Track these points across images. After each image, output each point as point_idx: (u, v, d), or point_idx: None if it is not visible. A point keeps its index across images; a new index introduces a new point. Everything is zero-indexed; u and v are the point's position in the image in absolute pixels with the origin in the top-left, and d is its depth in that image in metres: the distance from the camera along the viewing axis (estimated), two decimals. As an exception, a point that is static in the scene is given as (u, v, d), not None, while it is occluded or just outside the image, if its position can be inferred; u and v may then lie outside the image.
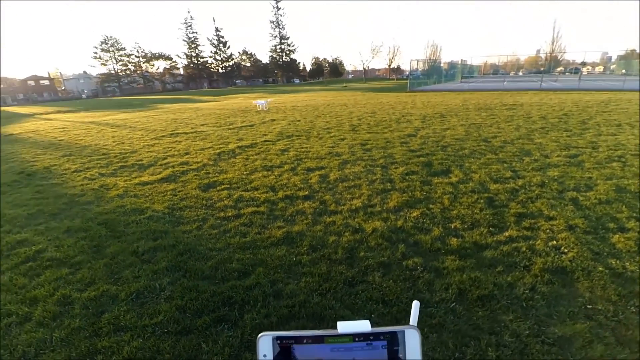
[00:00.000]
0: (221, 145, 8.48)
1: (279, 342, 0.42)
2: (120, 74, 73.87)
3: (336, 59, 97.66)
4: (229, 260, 3.25)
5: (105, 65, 72.34)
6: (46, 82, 74.36)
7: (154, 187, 5.49)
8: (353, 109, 15.43)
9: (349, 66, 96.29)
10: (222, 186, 5.37)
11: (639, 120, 9.40)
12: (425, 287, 2.77)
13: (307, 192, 4.90)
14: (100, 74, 74.16)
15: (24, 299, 2.81)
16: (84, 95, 70.29)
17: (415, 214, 4.04)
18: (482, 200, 4.31)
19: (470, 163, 5.93)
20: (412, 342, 0.43)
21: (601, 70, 60.79)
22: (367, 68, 76.85)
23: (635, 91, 19.00)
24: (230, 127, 11.68)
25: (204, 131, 11.04)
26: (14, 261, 3.42)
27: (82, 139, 11.05)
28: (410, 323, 0.75)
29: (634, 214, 3.75)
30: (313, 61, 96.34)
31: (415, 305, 0.78)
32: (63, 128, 14.67)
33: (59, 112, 25.53)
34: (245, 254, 3.34)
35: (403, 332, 0.43)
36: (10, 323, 2.56)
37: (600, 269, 2.85)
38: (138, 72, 76.15)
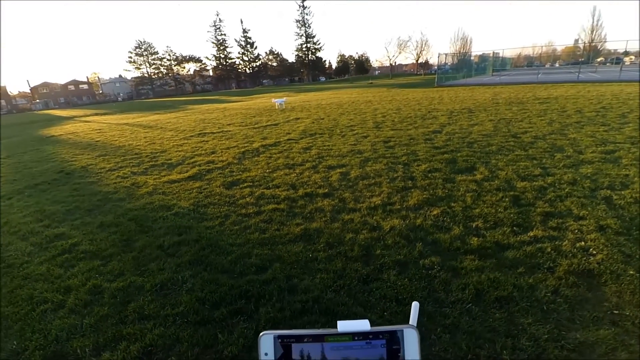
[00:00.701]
0: (246, 144, 8.68)
1: (280, 340, 0.43)
2: (153, 77, 77.11)
3: (362, 55, 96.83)
4: (247, 255, 3.34)
5: (139, 69, 75.81)
6: (85, 87, 79.05)
7: (181, 185, 5.72)
8: (378, 106, 15.27)
9: (375, 62, 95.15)
10: (245, 184, 5.51)
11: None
12: (441, 287, 2.73)
13: (326, 190, 4.93)
14: (135, 78, 77.82)
15: (59, 288, 3.04)
16: (119, 98, 74.07)
17: (435, 212, 3.97)
18: (507, 199, 4.16)
19: (497, 160, 5.72)
20: (411, 341, 0.44)
21: (645, 59, 56.38)
22: (393, 64, 75.59)
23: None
24: (255, 126, 11.90)
25: (230, 131, 11.33)
26: (51, 253, 3.69)
27: (116, 140, 11.66)
28: (410, 323, 0.76)
29: (674, 215, 3.50)
30: (339, 58, 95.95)
31: (415, 305, 0.79)
32: (99, 129, 15.54)
33: (96, 114, 27.08)
34: (264, 250, 3.42)
35: (402, 331, 0.44)
36: (46, 309, 2.78)
37: (631, 272, 2.68)
38: (170, 74, 79.17)
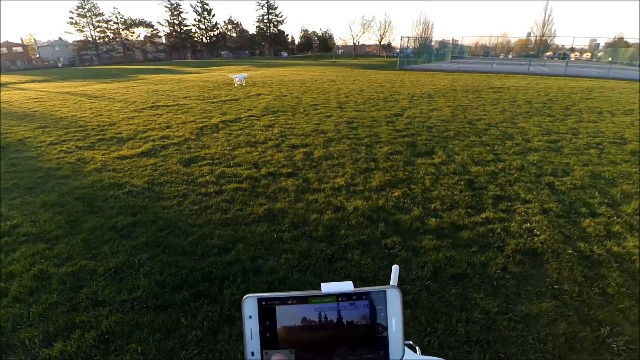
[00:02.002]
0: (204, 120, 8.28)
1: (263, 303, 0.43)
2: (98, 41, 70.04)
3: (326, 32, 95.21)
4: (209, 236, 3.24)
5: (82, 31, 68.29)
6: (19, 49, 69.84)
7: (133, 162, 5.36)
8: (341, 86, 15.22)
9: (338, 41, 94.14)
10: (204, 161, 5.29)
11: (639, 108, 9.60)
12: (402, 265, 2.84)
13: (290, 170, 4.88)
14: (77, 41, 70.07)
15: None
16: (59, 64, 66.50)
17: (396, 193, 4.09)
18: (462, 182, 4.38)
19: (454, 145, 5.98)
20: (394, 301, 0.44)
21: (588, 57, 61.25)
22: (357, 43, 75.37)
23: (620, 80, 19.35)
24: (214, 100, 11.38)
25: (186, 104, 10.73)
26: (-15, 235, 3.32)
27: (57, 110, 10.58)
28: (391, 284, 0.77)
29: (606, 200, 3.90)
30: (302, 34, 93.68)
31: (395, 268, 0.80)
32: (38, 98, 13.98)
33: (33, 81, 24.22)
34: (226, 231, 3.33)
35: (384, 291, 0.44)
36: (-16, 298, 2.51)
37: (570, 251, 2.97)
38: (117, 39, 72.36)
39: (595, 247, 3.01)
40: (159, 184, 4.49)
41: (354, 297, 0.44)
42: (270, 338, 0.43)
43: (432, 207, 3.77)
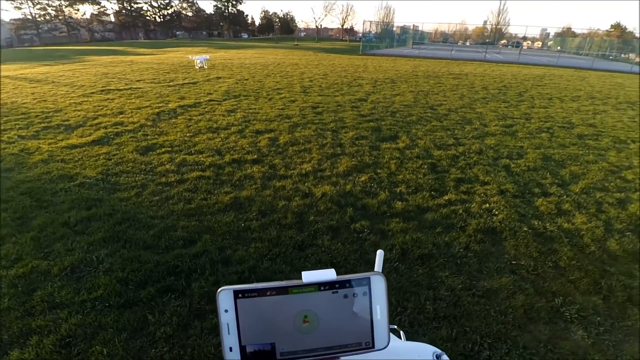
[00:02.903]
0: (160, 104, 7.82)
1: (240, 296, 0.40)
2: (39, 19, 63.41)
3: (287, 14, 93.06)
4: (172, 228, 3.09)
5: (19, 8, 61.28)
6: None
7: (84, 151, 4.95)
8: (304, 70, 15.00)
9: (301, 23, 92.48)
10: (163, 149, 5.00)
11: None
12: (371, 249, 2.88)
13: (255, 156, 4.75)
14: (15, 20, 62.85)
15: None
16: (-7, 42, 59.82)
17: (363, 178, 4.12)
18: (426, 166, 4.50)
19: (417, 130, 6.12)
20: (378, 287, 0.43)
21: (539, 45, 64.99)
22: (319, 27, 74.40)
23: (568, 68, 20.70)
24: (171, 84, 10.78)
25: (140, 88, 10.07)
26: None
27: (-9, 92, 9.52)
28: (375, 270, 0.74)
29: (556, 180, 4.19)
30: (262, 15, 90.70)
31: (380, 253, 0.77)
32: (-34, 78, 12.48)
33: (-40, 59, 21.58)
34: (191, 221, 3.19)
35: (368, 278, 0.43)
36: None
37: (525, 229, 3.16)
38: (60, 17, 65.94)
39: (548, 225, 3.24)
40: (114, 174, 4.19)
41: (337, 286, 0.42)
42: (249, 332, 0.41)
43: (398, 191, 3.85)
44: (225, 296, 0.40)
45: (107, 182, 3.97)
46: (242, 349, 0.41)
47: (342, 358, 0.43)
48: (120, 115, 6.87)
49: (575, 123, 6.91)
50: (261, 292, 0.41)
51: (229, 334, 0.41)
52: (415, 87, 10.94)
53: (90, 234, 3.00)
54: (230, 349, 0.41)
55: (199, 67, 15.15)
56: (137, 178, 4.07)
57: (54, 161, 4.59)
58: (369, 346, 0.43)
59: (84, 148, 5.07)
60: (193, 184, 3.92)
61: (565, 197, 3.78)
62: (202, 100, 8.29)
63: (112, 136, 5.58)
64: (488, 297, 2.41)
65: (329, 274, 0.42)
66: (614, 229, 3.24)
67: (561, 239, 3.03)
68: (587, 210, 3.52)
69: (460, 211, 3.45)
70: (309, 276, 0.42)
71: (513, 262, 2.74)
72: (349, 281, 0.42)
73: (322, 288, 0.42)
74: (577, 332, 2.14)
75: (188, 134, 5.66)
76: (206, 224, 3.15)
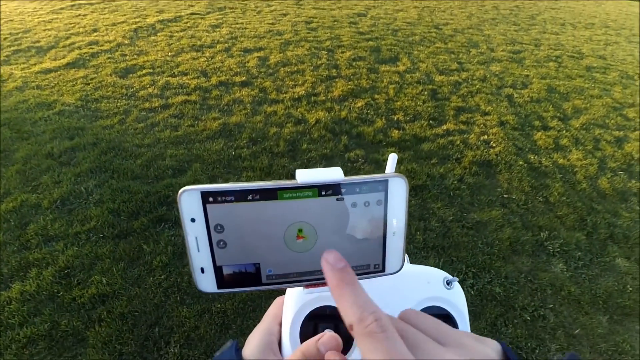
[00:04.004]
0: (137, 19, 6.99)
1: (211, 199, 0.30)
2: None
3: None
4: (160, 156, 2.96)
5: None
6: None
7: (59, 75, 4.49)
8: (298, -22, 13.40)
9: None
10: (144, 71, 4.57)
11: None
12: (365, 180, 2.84)
13: (244, 78, 4.41)
14: None
15: None
16: None
17: (360, 104, 3.92)
18: (426, 92, 4.27)
19: (419, 51, 5.69)
20: (397, 194, 0.32)
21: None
22: None
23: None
24: (148, -10, 9.58)
25: (113, 1, 8.93)
26: None
27: (-59, -8, 8.36)
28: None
29: (558, 114, 4.04)
30: None
31: (392, 157, 0.63)
32: None
33: None
34: (179, 150, 3.05)
35: (386, 181, 0.32)
36: None
37: (520, 163, 3.12)
38: None
39: (544, 159, 3.20)
40: (94, 100, 3.87)
41: (344, 190, 0.31)
42: (225, 248, 0.31)
43: (395, 119, 3.69)
44: (189, 199, 0.30)
45: (88, 109, 3.69)
46: (217, 270, 0.32)
47: None
48: (95, 34, 6.15)
49: (585, 53, 6.49)
50: (240, 196, 0.30)
51: (198, 251, 0.31)
52: (420, 1, 9.95)
53: (76, 164, 2.86)
54: (202, 270, 0.32)
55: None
56: (118, 104, 3.78)
57: (29, 88, 4.18)
58: (379, 269, 0.35)
59: (59, 72, 4.60)
60: (179, 109, 3.67)
61: (564, 131, 3.68)
62: (183, 13, 7.44)
63: (87, 58, 5.05)
64: (477, 229, 2.45)
65: (333, 174, 0.31)
66: (607, 167, 3.22)
67: (554, 175, 3.01)
68: (584, 147, 3.47)
69: (458, 142, 3.36)
70: (305, 176, 0.31)
71: (505, 195, 2.75)
72: (359, 184, 0.32)
73: (323, 193, 0.31)
74: (557, 265, 2.24)
75: (170, 53, 5.16)
76: (195, 152, 3.02)
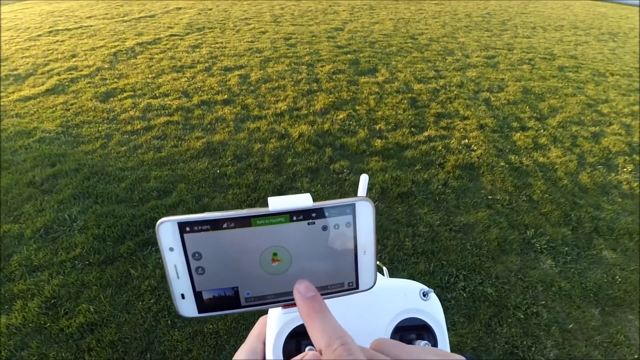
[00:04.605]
0: (116, 43, 6.99)
1: (187, 229, 0.31)
2: None
3: None
4: (145, 179, 2.92)
5: None
6: None
7: (39, 102, 4.43)
8: (274, -4, 13.67)
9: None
10: (125, 94, 4.55)
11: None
12: (351, 189, 2.86)
13: (226, 96, 4.43)
14: None
15: None
16: None
17: (341, 116, 3.96)
18: (405, 101, 4.36)
19: (397, 61, 5.83)
20: (365, 216, 0.35)
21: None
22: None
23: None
24: (125, 18, 9.59)
25: (91, 25, 8.91)
26: None
27: None
28: (359, 195, 0.64)
29: (535, 114, 4.17)
30: None
31: (364, 178, 0.67)
32: None
33: None
34: (163, 171, 3.02)
35: (353, 205, 0.34)
36: None
37: (502, 163, 3.19)
38: None
39: (524, 159, 3.28)
40: (75, 125, 3.82)
41: (314, 215, 0.33)
42: (203, 274, 0.33)
43: (377, 128, 3.75)
44: (167, 230, 0.31)
45: (69, 135, 3.64)
46: (198, 295, 0.33)
47: None
48: (74, 59, 6.11)
49: (556, 54, 6.76)
50: (215, 225, 0.32)
51: (178, 278, 0.33)
52: (396, 14, 10.25)
53: (58, 191, 2.80)
54: (183, 296, 0.33)
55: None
56: (100, 128, 3.74)
57: (8, 117, 4.11)
58: (352, 287, 0.37)
59: (38, 99, 4.53)
60: (161, 131, 3.65)
61: (542, 131, 3.79)
62: (162, 35, 7.47)
63: (67, 83, 5.00)
64: (464, 231, 2.48)
65: (303, 200, 0.33)
66: (586, 162, 3.32)
67: (536, 173, 3.09)
68: (563, 144, 3.57)
69: (440, 147, 3.42)
70: (277, 203, 0.33)
71: (489, 197, 2.80)
72: (328, 209, 0.34)
73: (294, 218, 0.33)
74: (545, 262, 2.27)
75: (150, 75, 5.16)
76: (180, 173, 2.99)
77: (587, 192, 2.92)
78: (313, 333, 0.27)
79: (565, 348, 1.84)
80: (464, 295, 2.05)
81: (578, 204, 2.76)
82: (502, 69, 5.69)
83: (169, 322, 1.88)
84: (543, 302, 2.04)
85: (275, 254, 0.34)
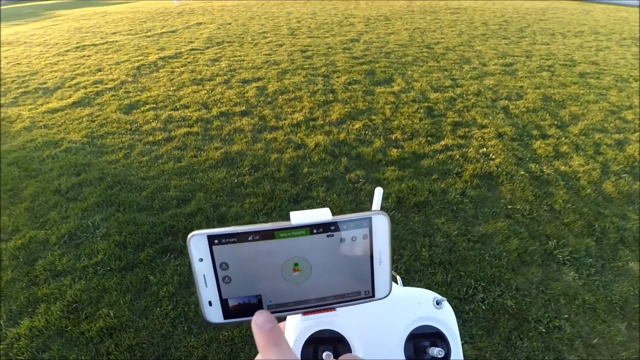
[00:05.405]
0: (140, 57, 7.31)
1: (216, 242, 0.35)
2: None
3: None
4: (165, 188, 3.02)
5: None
6: None
7: (66, 114, 4.67)
8: (291, 9, 13.97)
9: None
10: (147, 106, 4.74)
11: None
12: (367, 199, 2.85)
13: (244, 107, 4.54)
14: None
15: None
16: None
17: (357, 125, 3.98)
18: (422, 110, 4.34)
19: (413, 71, 5.83)
20: (380, 229, 0.37)
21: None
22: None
23: (572, 0, 19.46)
24: (148, 34, 10.02)
25: (116, 41, 9.35)
26: None
27: (-44, 49, 8.82)
28: (374, 209, 0.66)
29: (555, 122, 4.07)
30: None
31: (378, 191, 0.69)
32: None
33: None
34: (182, 180, 3.11)
35: (370, 218, 0.37)
36: None
37: (522, 172, 3.12)
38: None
39: (545, 168, 3.19)
40: (100, 136, 4.00)
41: (332, 228, 0.36)
42: (230, 283, 0.36)
43: (393, 138, 3.74)
44: (197, 243, 0.35)
45: (94, 145, 3.81)
46: (224, 302, 0.36)
47: (338, 309, 0.39)
48: (99, 73, 6.43)
49: (577, 60, 6.60)
50: (242, 237, 0.35)
51: (206, 286, 0.36)
52: (411, 24, 10.28)
53: (82, 199, 2.93)
54: (210, 303, 0.36)
55: (177, 4, 14.01)
56: (123, 139, 3.90)
57: (37, 127, 4.35)
58: (369, 295, 0.39)
59: (65, 111, 4.79)
60: (181, 141, 3.77)
61: (563, 138, 3.69)
62: (183, 50, 7.76)
63: (92, 96, 5.26)
64: (483, 242, 2.43)
65: (322, 215, 0.36)
66: (610, 170, 3.21)
67: (557, 182, 3.00)
68: (585, 152, 3.47)
69: (457, 156, 3.38)
70: (298, 217, 0.36)
71: (509, 206, 2.74)
72: (346, 222, 0.36)
73: (314, 231, 0.36)
74: (568, 274, 2.19)
75: (171, 88, 5.35)
76: (198, 182, 3.07)
77: (612, 202, 2.82)
78: None
79: (591, 364, 1.76)
80: (483, 307, 2.00)
81: (602, 214, 2.66)
82: (521, 76, 5.60)
83: (186, 328, 1.92)
84: (566, 316, 1.96)
85: (296, 264, 0.36)
